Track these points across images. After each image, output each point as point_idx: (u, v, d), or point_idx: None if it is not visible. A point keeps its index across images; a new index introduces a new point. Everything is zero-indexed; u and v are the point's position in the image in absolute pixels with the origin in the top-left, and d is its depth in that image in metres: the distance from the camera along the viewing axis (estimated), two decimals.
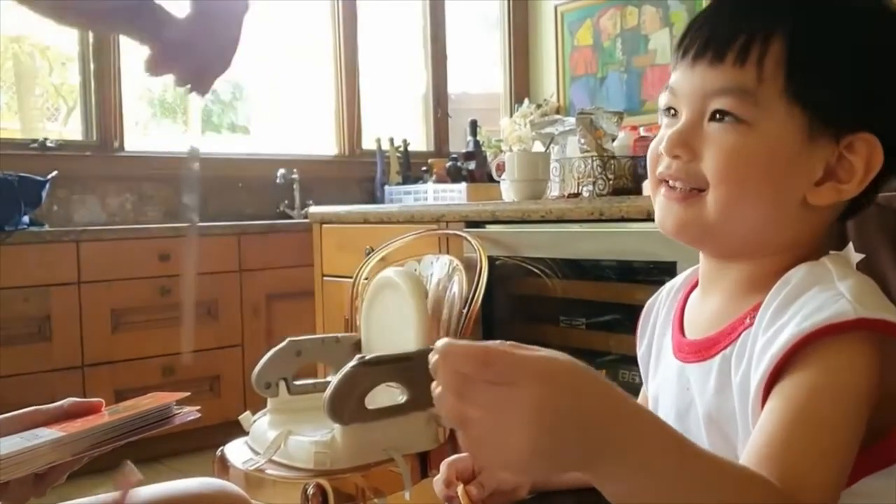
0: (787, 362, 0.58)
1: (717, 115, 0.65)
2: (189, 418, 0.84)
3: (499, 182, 2.31)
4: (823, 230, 0.69)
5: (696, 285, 0.76)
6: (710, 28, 0.67)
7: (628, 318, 1.85)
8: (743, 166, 0.64)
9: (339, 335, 1.87)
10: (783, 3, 0.66)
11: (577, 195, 1.87)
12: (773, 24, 0.64)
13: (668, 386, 0.72)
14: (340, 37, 3.89)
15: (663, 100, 0.71)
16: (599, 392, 0.48)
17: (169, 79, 0.88)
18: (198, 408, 0.85)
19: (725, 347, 0.65)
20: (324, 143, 3.91)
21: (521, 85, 4.13)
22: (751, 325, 0.64)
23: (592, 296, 1.93)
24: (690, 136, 0.66)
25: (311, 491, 1.47)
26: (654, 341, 0.78)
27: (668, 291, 0.81)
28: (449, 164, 3.20)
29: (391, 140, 3.63)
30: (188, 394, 0.88)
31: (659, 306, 0.81)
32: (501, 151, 3.01)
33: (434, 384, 0.50)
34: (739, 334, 0.65)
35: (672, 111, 0.70)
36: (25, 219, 2.74)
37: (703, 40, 0.66)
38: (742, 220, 0.65)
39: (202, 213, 3.38)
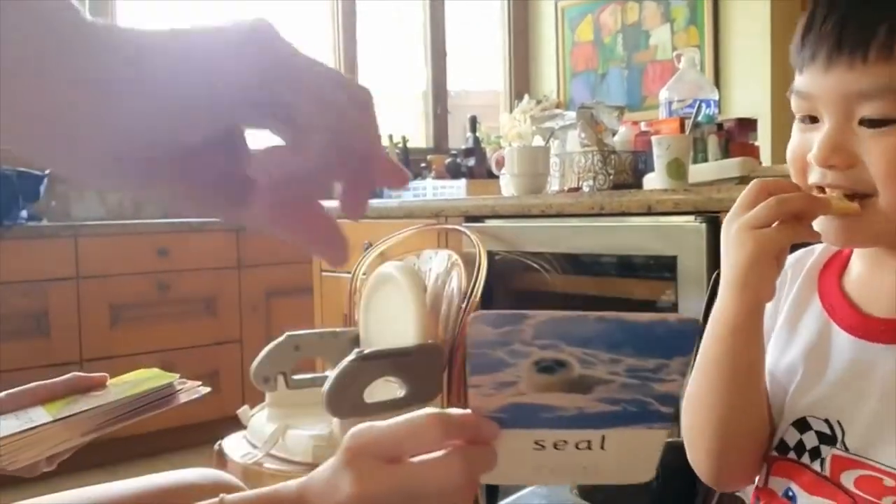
0: None
1: (871, 122, 0.61)
2: (195, 396, 0.83)
3: (498, 177, 2.30)
4: None
5: (839, 261, 0.73)
6: (838, 24, 0.61)
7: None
8: None
9: (338, 329, 1.87)
10: None
11: (576, 190, 1.86)
12: None
13: (838, 364, 0.69)
14: (339, 33, 3.88)
15: (794, 105, 0.67)
16: None
17: None
18: (199, 383, 0.84)
19: None
20: None
21: (522, 81, 4.12)
22: None
23: (592, 291, 1.92)
24: (842, 142, 0.62)
25: None
26: (786, 316, 0.75)
27: (787, 271, 0.76)
28: (448, 160, 3.19)
29: (390, 136, 3.62)
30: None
31: (783, 278, 0.76)
32: (501, 148, 3.00)
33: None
34: None
35: (809, 118, 0.66)
36: (23, 213, 2.73)
37: (834, 39, 0.61)
38: None
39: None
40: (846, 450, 0.66)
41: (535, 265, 1.94)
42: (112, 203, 3.29)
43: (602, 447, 0.51)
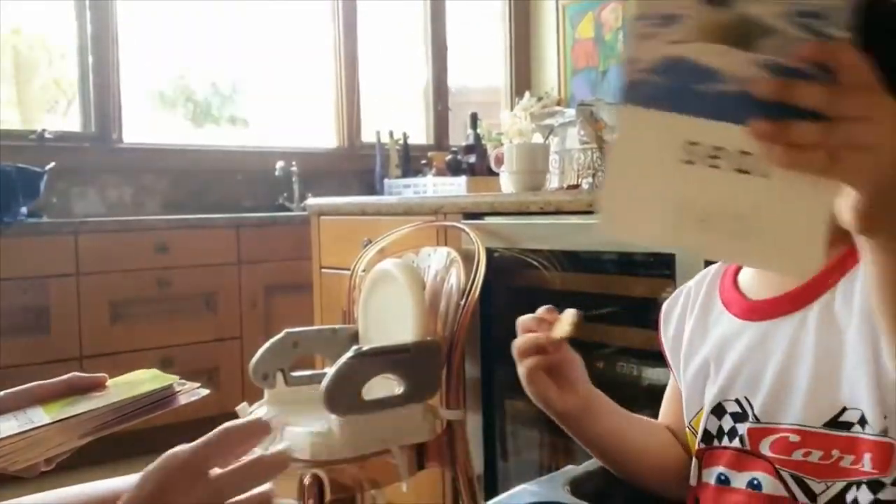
0: None
1: None
2: (194, 398, 0.84)
3: (498, 175, 2.30)
4: None
5: (733, 271, 0.84)
6: None
7: (627, 310, 1.84)
8: None
9: (337, 327, 1.86)
10: None
11: (576, 187, 1.86)
12: None
13: (736, 348, 0.78)
14: (340, 29, 3.88)
15: None
16: None
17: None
18: (198, 385, 0.85)
19: (819, 296, 0.72)
20: (323, 135, 3.91)
21: (522, 78, 4.12)
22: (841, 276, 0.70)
23: (591, 288, 1.92)
24: None
25: (307, 481, 1.47)
26: (690, 326, 0.85)
27: (691, 288, 0.88)
28: (449, 157, 3.19)
29: (391, 133, 3.62)
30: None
31: (686, 298, 0.88)
32: (501, 145, 3.00)
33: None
34: (835, 283, 0.71)
35: None
36: (24, 210, 2.74)
37: None
38: None
39: (201, 206, 3.38)
40: (757, 421, 0.73)
41: (533, 262, 1.94)
42: (112, 200, 3.29)
43: (764, 175, 0.42)
